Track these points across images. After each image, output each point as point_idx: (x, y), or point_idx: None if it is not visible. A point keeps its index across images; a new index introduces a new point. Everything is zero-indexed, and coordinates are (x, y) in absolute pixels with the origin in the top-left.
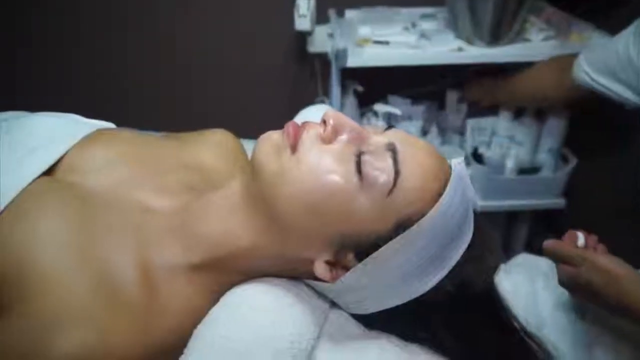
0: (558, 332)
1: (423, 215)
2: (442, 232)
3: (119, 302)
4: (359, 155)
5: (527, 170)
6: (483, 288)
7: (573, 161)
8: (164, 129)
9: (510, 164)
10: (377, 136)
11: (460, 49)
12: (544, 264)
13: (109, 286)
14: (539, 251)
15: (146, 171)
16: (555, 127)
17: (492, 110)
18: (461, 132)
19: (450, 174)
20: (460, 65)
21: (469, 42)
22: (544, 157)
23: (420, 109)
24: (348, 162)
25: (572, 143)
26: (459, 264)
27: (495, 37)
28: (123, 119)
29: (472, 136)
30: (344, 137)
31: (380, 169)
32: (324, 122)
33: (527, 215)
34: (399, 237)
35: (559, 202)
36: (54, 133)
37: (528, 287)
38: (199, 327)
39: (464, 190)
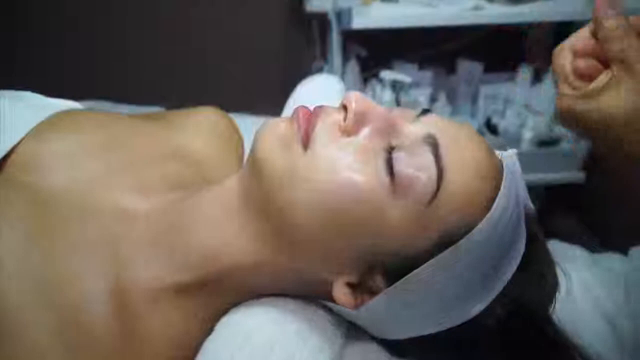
0: (600, 341)
1: (472, 226)
2: (495, 246)
3: (89, 342)
4: (389, 151)
5: (546, 142)
6: (543, 312)
7: None
8: (145, 99)
9: (527, 135)
10: (410, 125)
11: (477, 8)
12: (577, 254)
13: (76, 324)
14: (553, 233)
15: (122, 165)
16: None
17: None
18: (473, 100)
19: (501, 171)
20: (477, 26)
21: None
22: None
23: (428, 74)
24: (376, 160)
25: None
26: (512, 282)
27: None
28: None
29: (485, 104)
30: (369, 127)
31: (418, 168)
32: (344, 107)
33: (540, 191)
34: (441, 255)
35: (578, 176)
36: (5, 119)
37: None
38: None
39: (517, 192)
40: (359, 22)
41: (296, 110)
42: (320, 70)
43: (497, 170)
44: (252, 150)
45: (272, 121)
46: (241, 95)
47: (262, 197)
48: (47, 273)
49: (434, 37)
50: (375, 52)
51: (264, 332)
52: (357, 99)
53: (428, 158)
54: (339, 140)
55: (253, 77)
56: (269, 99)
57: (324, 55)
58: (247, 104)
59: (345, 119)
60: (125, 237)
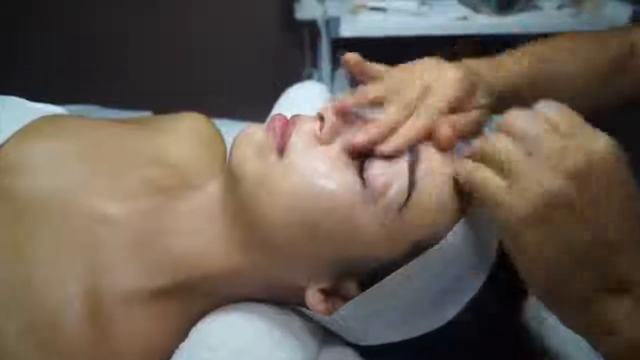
0: (573, 344)
1: (442, 235)
2: (465, 255)
3: (62, 344)
4: (363, 159)
5: None
6: (512, 320)
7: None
8: (134, 104)
9: None
10: None
11: (465, 18)
12: None
13: (49, 326)
14: None
15: (102, 170)
16: None
17: None
18: None
19: None
20: (466, 36)
21: (475, 9)
22: None
23: None
24: (347, 165)
25: None
26: (482, 291)
27: (504, 5)
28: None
29: None
30: (345, 137)
31: (390, 175)
32: (321, 117)
33: None
34: (412, 263)
35: None
36: None
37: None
38: None
39: None
40: (347, 30)
41: (272, 118)
42: (310, 77)
43: None
44: (229, 160)
45: (249, 129)
46: (231, 102)
47: (238, 204)
48: (22, 276)
49: (422, 46)
50: (367, 59)
51: (238, 337)
52: (334, 109)
53: (402, 166)
54: (314, 149)
55: (243, 84)
56: (259, 106)
57: (315, 63)
58: (238, 110)
59: (321, 129)
60: (103, 241)
